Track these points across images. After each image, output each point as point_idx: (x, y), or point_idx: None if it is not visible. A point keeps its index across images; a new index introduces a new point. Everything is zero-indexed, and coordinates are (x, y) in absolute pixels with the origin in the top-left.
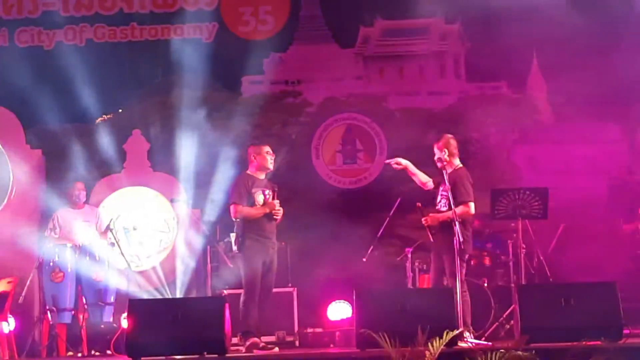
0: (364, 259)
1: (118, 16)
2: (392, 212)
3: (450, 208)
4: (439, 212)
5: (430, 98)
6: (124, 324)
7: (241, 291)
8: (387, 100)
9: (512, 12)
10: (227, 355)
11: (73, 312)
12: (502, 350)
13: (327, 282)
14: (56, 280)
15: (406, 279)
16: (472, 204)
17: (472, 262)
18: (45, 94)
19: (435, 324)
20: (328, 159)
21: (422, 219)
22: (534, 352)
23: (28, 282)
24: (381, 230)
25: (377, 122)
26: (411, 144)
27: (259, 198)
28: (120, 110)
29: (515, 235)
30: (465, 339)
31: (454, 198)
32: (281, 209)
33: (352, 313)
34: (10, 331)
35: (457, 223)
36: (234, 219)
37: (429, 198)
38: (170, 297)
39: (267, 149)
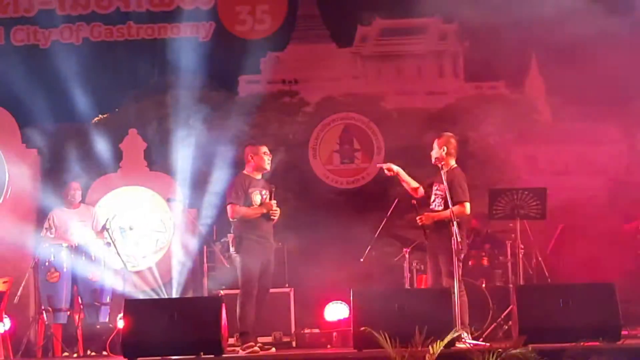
0: (362, 259)
1: (114, 15)
2: (389, 212)
3: (445, 208)
4: (433, 211)
5: (428, 98)
6: (120, 324)
7: (238, 291)
8: (385, 100)
9: (511, 11)
10: (224, 355)
11: (69, 312)
12: (499, 350)
13: (324, 283)
14: (52, 280)
15: (403, 279)
16: (468, 205)
17: (470, 263)
18: (41, 93)
19: (433, 324)
20: (325, 159)
21: (417, 218)
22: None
23: (23, 282)
24: (379, 231)
25: (374, 121)
26: (409, 144)
27: (256, 198)
28: (116, 110)
29: (513, 235)
30: (463, 340)
31: (450, 198)
32: (278, 209)
33: (349, 313)
34: (5, 331)
35: (454, 223)
36: (231, 219)
37: (424, 197)
38: (166, 297)
39: (265, 149)
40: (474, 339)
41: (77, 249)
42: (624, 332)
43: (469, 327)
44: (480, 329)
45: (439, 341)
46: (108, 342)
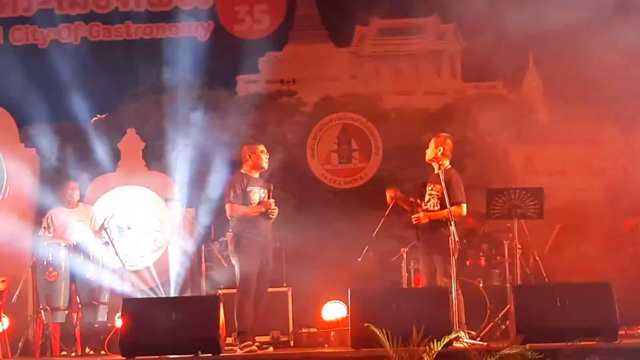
0: (359, 259)
1: (113, 14)
2: (387, 212)
3: (441, 208)
4: (429, 211)
5: (426, 98)
6: (118, 323)
7: (236, 291)
8: (383, 100)
9: (509, 11)
10: (221, 354)
11: (67, 311)
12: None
13: (322, 282)
14: (50, 279)
15: (401, 278)
16: (464, 205)
17: (467, 263)
18: (40, 92)
19: (431, 323)
20: (323, 159)
21: (413, 217)
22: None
23: (22, 282)
24: (376, 230)
25: (372, 121)
26: (407, 144)
27: (254, 197)
28: (115, 109)
29: (511, 235)
30: (460, 339)
31: (447, 198)
32: (276, 207)
33: (347, 313)
34: (3, 330)
35: (452, 223)
36: (229, 218)
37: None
38: (164, 296)
39: (262, 148)
40: (471, 338)
41: (75, 248)
42: (621, 332)
43: (466, 327)
44: (477, 329)
45: (437, 341)
46: (106, 341)
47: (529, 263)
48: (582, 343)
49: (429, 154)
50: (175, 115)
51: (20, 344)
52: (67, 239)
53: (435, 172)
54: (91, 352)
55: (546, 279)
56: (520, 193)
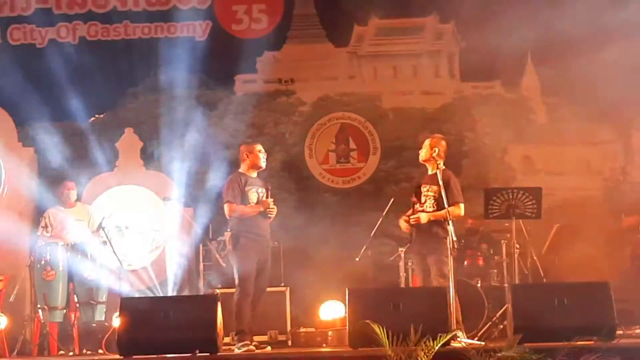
0: (357, 259)
1: (111, 14)
2: (385, 211)
3: (438, 208)
4: (425, 212)
5: (424, 97)
6: (116, 322)
7: (234, 290)
8: (381, 100)
9: (507, 11)
10: (219, 354)
11: (64, 310)
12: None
13: (320, 282)
14: (48, 278)
15: (399, 278)
16: (462, 206)
17: (465, 263)
18: (38, 91)
19: (428, 323)
20: (321, 158)
21: (413, 218)
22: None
23: (20, 281)
24: (374, 230)
25: (370, 121)
26: (405, 144)
27: (253, 196)
28: (113, 109)
29: (509, 235)
30: (457, 339)
31: (446, 198)
32: (275, 207)
33: (345, 313)
34: (1, 330)
35: (450, 223)
36: (228, 218)
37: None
38: (162, 295)
39: (260, 147)
40: (469, 338)
41: (73, 248)
42: (619, 331)
43: (463, 326)
44: (476, 328)
45: (435, 340)
46: (104, 340)
47: (526, 263)
48: (579, 342)
49: (424, 154)
50: (173, 114)
51: (17, 343)
52: (64, 238)
53: (430, 173)
54: (89, 352)
55: (544, 279)
56: (518, 193)
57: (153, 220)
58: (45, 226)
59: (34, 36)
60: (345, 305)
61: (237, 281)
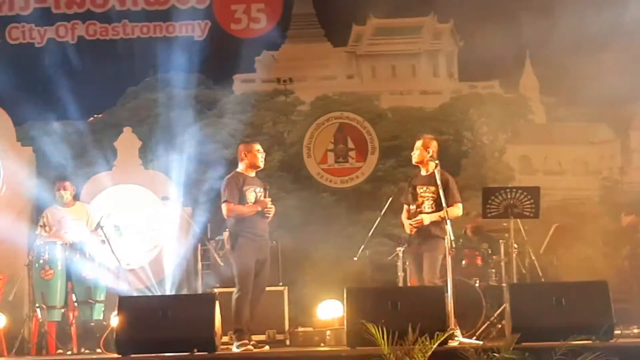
0: (355, 258)
1: (110, 13)
2: (383, 211)
3: (436, 209)
4: (423, 213)
5: (422, 97)
6: (114, 322)
7: (232, 289)
8: (379, 99)
9: (505, 11)
10: (217, 353)
11: (63, 309)
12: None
13: (318, 281)
14: (46, 277)
15: (397, 278)
16: (461, 205)
17: (464, 262)
18: (36, 91)
19: (426, 322)
20: (320, 158)
21: (415, 221)
22: (527, 354)
23: (18, 280)
24: (372, 230)
25: (369, 121)
26: (403, 143)
27: (251, 196)
28: (111, 108)
29: (507, 234)
30: (455, 338)
31: (445, 198)
32: (273, 206)
33: (343, 312)
34: None
35: (448, 223)
36: (226, 217)
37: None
38: (160, 294)
39: (258, 146)
40: (467, 337)
41: (71, 247)
42: (616, 331)
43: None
44: (474, 328)
45: (432, 339)
46: (102, 339)
47: (525, 262)
48: (577, 342)
49: (418, 156)
50: (172, 114)
51: (16, 342)
52: (63, 237)
53: (425, 173)
54: (87, 351)
55: (542, 279)
56: (517, 192)
57: (151, 219)
58: (44, 225)
59: (33, 35)
60: (343, 304)
61: (236, 280)
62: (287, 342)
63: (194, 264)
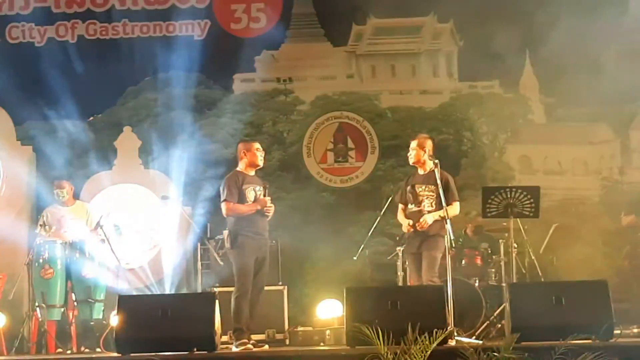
0: (355, 258)
1: (110, 13)
2: (383, 210)
3: (436, 208)
4: (422, 212)
5: (422, 97)
6: (114, 321)
7: (232, 289)
8: (379, 99)
9: (505, 11)
10: (217, 352)
11: (63, 308)
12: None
13: (318, 281)
14: (46, 276)
15: (396, 277)
16: (458, 204)
17: (463, 262)
18: (36, 90)
19: (426, 321)
20: (319, 157)
21: (418, 224)
22: (526, 354)
23: (18, 279)
24: (372, 229)
25: (369, 120)
26: (403, 143)
27: (250, 195)
28: (111, 107)
29: (506, 234)
30: (454, 337)
31: (445, 197)
32: (272, 205)
33: (343, 311)
34: None
35: (448, 222)
36: (225, 216)
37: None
38: (160, 293)
39: (257, 145)
40: (467, 337)
41: (71, 246)
42: (616, 331)
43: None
44: (473, 328)
45: (431, 337)
46: (102, 338)
47: (524, 262)
48: (577, 342)
49: (415, 156)
50: (172, 113)
51: (16, 342)
52: (63, 236)
53: (422, 173)
54: (86, 350)
55: (542, 279)
56: (517, 192)
57: (151, 219)
58: (43, 225)
59: (33, 35)
60: (342, 304)
61: (235, 279)
62: (287, 342)
63: (193, 263)
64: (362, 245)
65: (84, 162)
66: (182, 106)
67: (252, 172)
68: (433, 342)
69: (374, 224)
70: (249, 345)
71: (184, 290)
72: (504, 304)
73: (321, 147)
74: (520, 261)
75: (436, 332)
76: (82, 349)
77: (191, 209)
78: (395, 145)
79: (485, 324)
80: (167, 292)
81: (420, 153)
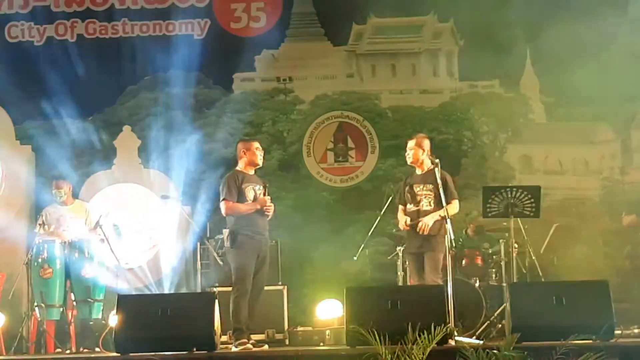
0: (355, 258)
1: (109, 12)
2: (383, 210)
3: (435, 207)
4: (421, 212)
5: (422, 96)
6: (113, 320)
7: (231, 288)
8: (379, 98)
9: (505, 10)
10: (216, 351)
11: (62, 308)
12: (492, 347)
13: (318, 281)
14: (45, 276)
15: (396, 277)
16: (457, 202)
17: (464, 262)
18: (36, 89)
19: (426, 321)
20: (319, 157)
21: (419, 227)
22: (525, 353)
23: (17, 279)
24: (372, 229)
25: (369, 120)
26: (403, 143)
27: (250, 194)
28: (111, 107)
29: (507, 234)
30: (454, 337)
31: (445, 196)
32: (272, 204)
33: (343, 311)
34: None
35: (449, 221)
36: (224, 215)
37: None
38: (159, 293)
39: (257, 144)
40: (467, 336)
41: (70, 246)
42: (617, 331)
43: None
44: (474, 328)
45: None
46: (101, 338)
47: (525, 262)
48: (578, 342)
49: (413, 155)
50: (172, 113)
51: (15, 341)
52: (62, 236)
53: (420, 172)
54: (86, 350)
55: (542, 279)
56: (517, 191)
57: (150, 218)
58: (42, 224)
59: (32, 34)
60: (342, 304)
61: (234, 279)
62: (287, 342)
63: (193, 263)
64: (362, 245)
65: (84, 162)
66: (181, 105)
67: (251, 171)
68: (430, 338)
69: (374, 223)
70: (249, 345)
71: (184, 290)
72: (505, 304)
73: (321, 147)
74: (520, 261)
75: (435, 331)
76: (81, 348)
77: (191, 208)
78: (396, 145)
79: (485, 324)
80: (167, 291)
81: (419, 152)
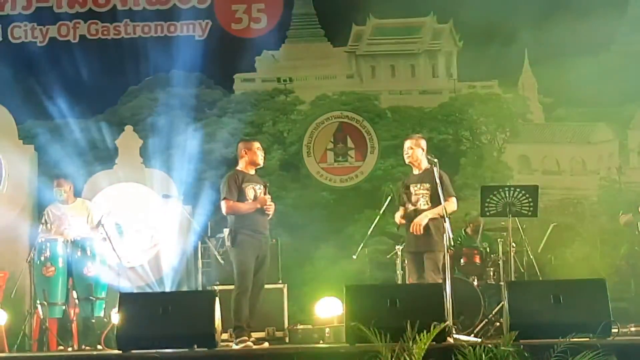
0: (354, 256)
1: (111, 13)
2: (382, 210)
3: (432, 206)
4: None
5: (421, 97)
6: (115, 318)
7: (232, 287)
8: (379, 99)
9: (504, 11)
10: (217, 349)
11: (64, 306)
12: (490, 346)
13: (317, 279)
14: (47, 274)
15: (396, 276)
16: (455, 199)
17: (462, 261)
18: (39, 89)
19: (425, 319)
20: (319, 157)
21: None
22: (521, 347)
23: (20, 277)
24: (371, 228)
25: (368, 120)
26: (402, 143)
27: (250, 193)
28: (113, 107)
29: (505, 233)
30: (453, 334)
31: (442, 195)
32: (272, 203)
33: (342, 309)
34: (0, 325)
35: (447, 219)
36: (225, 214)
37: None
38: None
39: (258, 144)
40: (465, 335)
41: (72, 244)
42: (614, 329)
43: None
44: (472, 326)
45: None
46: (103, 336)
47: (523, 261)
48: (575, 340)
49: (412, 155)
50: (173, 113)
51: (17, 339)
52: (64, 234)
53: (417, 172)
54: (88, 348)
55: (540, 278)
56: (515, 191)
57: (152, 217)
58: (45, 222)
59: (35, 35)
60: (342, 302)
61: (235, 277)
62: (287, 340)
63: (194, 261)
64: (362, 244)
65: (86, 161)
66: (183, 106)
67: (252, 171)
68: (428, 336)
69: (373, 223)
70: (249, 343)
71: (185, 289)
72: (503, 303)
73: (321, 147)
74: (518, 260)
75: (434, 327)
76: (83, 346)
77: (192, 207)
78: (395, 145)
79: (483, 322)
80: (168, 290)
81: (418, 152)
